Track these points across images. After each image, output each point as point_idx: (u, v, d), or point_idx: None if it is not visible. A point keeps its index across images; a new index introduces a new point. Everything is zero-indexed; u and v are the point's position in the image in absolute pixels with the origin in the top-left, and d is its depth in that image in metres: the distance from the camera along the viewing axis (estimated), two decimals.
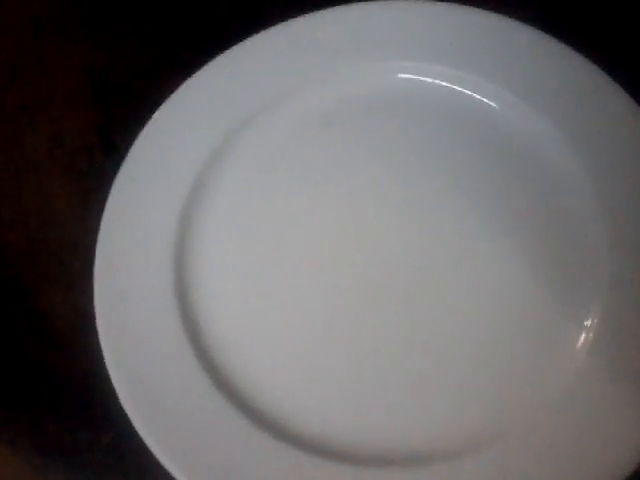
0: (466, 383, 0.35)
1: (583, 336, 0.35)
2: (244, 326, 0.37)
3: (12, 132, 0.44)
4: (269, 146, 0.41)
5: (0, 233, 0.41)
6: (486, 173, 0.39)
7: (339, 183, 0.40)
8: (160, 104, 0.41)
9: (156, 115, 0.41)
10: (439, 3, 0.43)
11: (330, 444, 0.34)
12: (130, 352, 0.35)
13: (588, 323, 0.36)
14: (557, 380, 0.34)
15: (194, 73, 0.42)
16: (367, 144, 0.41)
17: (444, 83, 0.42)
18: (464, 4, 0.42)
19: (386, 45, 0.42)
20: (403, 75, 0.42)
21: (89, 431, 0.36)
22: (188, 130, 0.41)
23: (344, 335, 0.36)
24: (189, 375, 0.35)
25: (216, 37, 0.44)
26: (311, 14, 0.43)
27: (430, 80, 0.42)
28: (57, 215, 0.41)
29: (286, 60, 0.42)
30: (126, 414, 0.34)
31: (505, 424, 0.34)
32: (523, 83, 0.40)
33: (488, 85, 0.41)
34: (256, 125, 0.41)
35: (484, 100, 0.41)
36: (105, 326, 0.36)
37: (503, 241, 0.38)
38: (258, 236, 0.39)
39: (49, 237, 0.41)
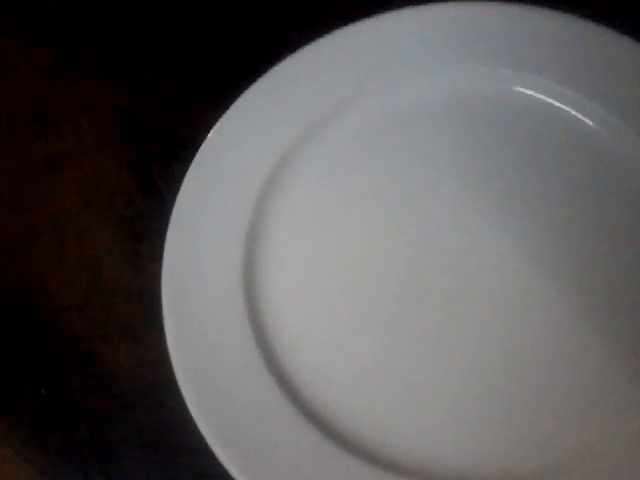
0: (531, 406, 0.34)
1: None
2: (314, 337, 0.36)
3: (44, 186, 0.42)
4: (330, 157, 0.40)
5: (49, 293, 0.39)
6: (564, 190, 0.38)
7: (401, 194, 0.38)
8: (192, 136, 0.40)
9: (205, 144, 0.39)
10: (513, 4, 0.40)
11: (390, 456, 0.33)
12: (208, 388, 0.34)
13: None
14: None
15: (226, 100, 0.40)
16: (424, 154, 0.39)
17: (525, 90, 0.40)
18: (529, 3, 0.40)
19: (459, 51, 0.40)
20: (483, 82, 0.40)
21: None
22: (241, 154, 0.39)
23: (411, 345, 0.35)
24: (265, 394, 0.34)
25: (241, 62, 0.43)
26: (360, 22, 0.41)
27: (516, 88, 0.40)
28: (106, 266, 0.40)
29: (335, 71, 0.40)
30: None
31: (577, 453, 0.32)
32: (616, 96, 0.38)
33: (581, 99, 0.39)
34: (315, 138, 0.40)
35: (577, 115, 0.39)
36: (181, 360, 0.34)
37: (576, 264, 0.36)
38: (322, 248, 0.38)
39: (102, 291, 0.39)
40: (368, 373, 0.35)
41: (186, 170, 0.39)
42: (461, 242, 0.37)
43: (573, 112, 0.39)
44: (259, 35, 0.45)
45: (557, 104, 0.39)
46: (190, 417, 0.33)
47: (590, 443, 0.32)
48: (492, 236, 0.37)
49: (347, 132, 0.40)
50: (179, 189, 0.38)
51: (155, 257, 0.38)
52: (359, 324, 0.36)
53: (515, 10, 0.40)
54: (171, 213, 0.38)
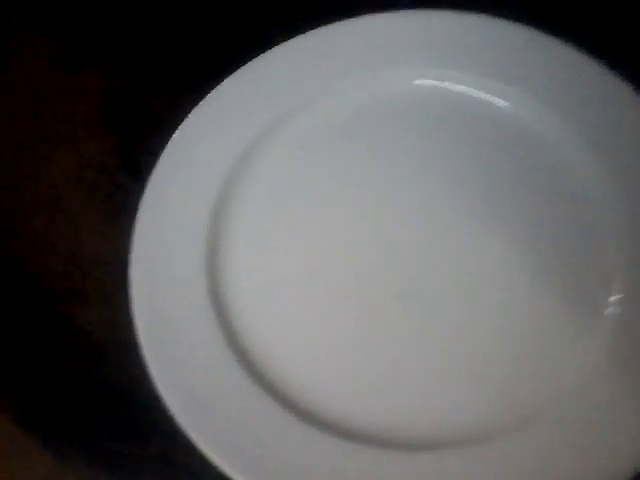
0: (485, 368, 0.36)
1: (609, 312, 0.37)
2: (277, 322, 0.38)
3: (34, 162, 0.46)
4: (291, 153, 0.43)
5: (32, 259, 0.43)
6: (501, 172, 0.41)
7: (360, 186, 0.42)
8: (177, 122, 0.43)
9: (179, 130, 0.42)
10: (437, 11, 0.44)
11: (350, 426, 0.35)
12: (172, 358, 0.37)
13: (613, 299, 0.37)
14: (579, 364, 0.36)
15: (211, 89, 0.43)
16: (385, 149, 0.43)
17: (457, 86, 0.43)
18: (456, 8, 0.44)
19: (399, 53, 0.44)
20: (417, 81, 0.44)
21: (136, 441, 0.38)
22: (211, 142, 0.42)
23: (368, 324, 0.38)
24: (228, 371, 0.37)
25: (227, 55, 0.46)
26: (324, 27, 0.45)
27: (441, 84, 0.44)
28: (86, 237, 0.43)
29: (304, 71, 0.44)
30: (172, 421, 0.35)
31: (525, 410, 0.35)
32: (533, 83, 0.42)
33: (499, 85, 0.43)
34: (278, 133, 0.43)
35: (496, 100, 0.43)
36: (145, 333, 0.37)
37: (520, 234, 0.40)
38: (285, 237, 0.41)
39: (80, 258, 0.42)
40: (326, 349, 0.38)
41: None
42: (405, 226, 0.40)
43: (490, 97, 0.43)
44: (244, 26, 0.48)
45: (481, 94, 0.43)
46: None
47: (541, 400, 0.35)
48: (432, 222, 0.40)
49: (311, 127, 0.43)
50: None
51: (131, 231, 0.41)
52: (319, 303, 0.39)
53: (436, 16, 0.44)
54: None
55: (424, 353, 0.37)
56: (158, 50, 0.48)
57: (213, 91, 0.43)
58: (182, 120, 0.43)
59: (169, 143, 0.42)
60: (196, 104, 0.43)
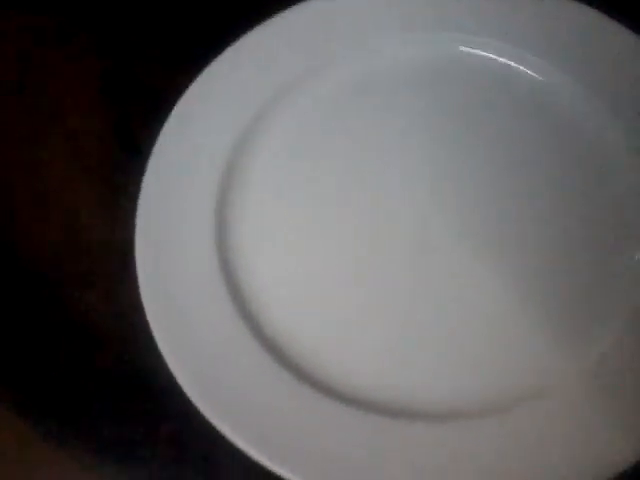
0: (497, 342, 0.36)
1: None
2: (282, 282, 0.38)
3: (28, 142, 0.44)
4: (302, 115, 0.42)
5: (30, 245, 0.41)
6: (528, 143, 0.41)
7: (377, 152, 0.41)
8: (175, 98, 0.42)
9: (182, 100, 0.41)
10: None
11: (356, 393, 0.35)
12: (183, 336, 0.36)
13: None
14: (593, 345, 0.35)
15: (208, 63, 0.42)
16: (408, 113, 0.42)
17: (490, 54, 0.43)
18: None
19: (433, 18, 0.43)
20: (461, 48, 0.43)
21: (147, 425, 0.37)
22: (217, 110, 0.41)
23: (375, 290, 0.37)
24: (242, 345, 0.36)
25: (225, 28, 0.44)
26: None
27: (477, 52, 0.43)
28: (86, 217, 0.41)
29: (329, 31, 0.43)
30: (183, 404, 0.34)
31: (534, 387, 0.35)
32: (568, 57, 0.42)
33: (533, 58, 0.42)
34: (296, 95, 0.42)
35: (528, 72, 0.42)
36: (154, 312, 0.36)
37: (543, 204, 0.39)
38: (295, 202, 0.40)
39: (81, 239, 0.41)
40: (333, 313, 0.37)
41: None
42: (425, 195, 0.40)
43: (522, 68, 0.42)
44: (239, 1, 0.47)
45: (509, 62, 0.43)
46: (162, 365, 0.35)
47: (546, 378, 0.35)
48: (455, 188, 0.40)
49: (317, 94, 0.42)
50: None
51: (133, 211, 0.39)
52: (325, 269, 0.38)
53: None
54: None
55: (437, 324, 0.37)
56: (150, 23, 0.47)
57: (211, 64, 0.42)
58: (177, 96, 0.42)
59: (172, 113, 0.41)
60: (192, 79, 0.42)
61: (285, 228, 0.39)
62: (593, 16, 0.42)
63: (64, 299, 0.39)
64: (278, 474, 0.33)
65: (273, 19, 0.43)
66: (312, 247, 0.39)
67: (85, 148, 0.43)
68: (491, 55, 0.43)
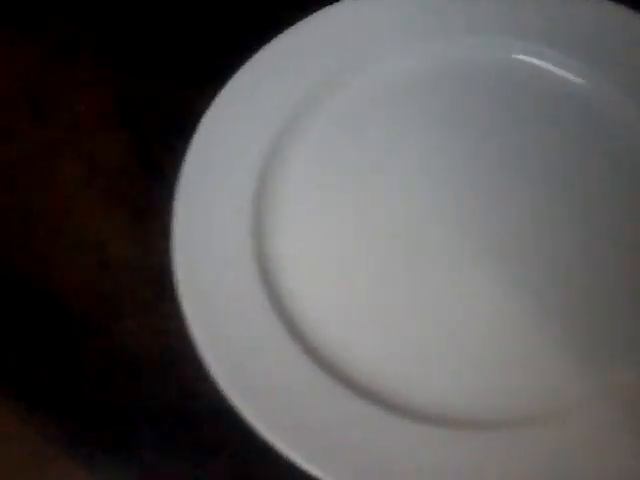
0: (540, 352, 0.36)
1: None
2: (320, 289, 0.37)
3: (44, 169, 0.43)
4: (332, 123, 0.41)
5: (55, 272, 0.40)
6: (569, 149, 0.40)
7: (414, 153, 0.40)
8: (190, 113, 0.40)
9: (205, 118, 0.40)
10: None
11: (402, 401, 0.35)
12: (233, 359, 0.35)
13: None
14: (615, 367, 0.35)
15: (223, 80, 0.41)
16: (428, 119, 0.41)
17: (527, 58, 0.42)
18: None
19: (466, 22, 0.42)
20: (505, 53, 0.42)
21: (197, 459, 0.36)
22: (241, 127, 0.40)
23: (412, 294, 0.37)
24: (292, 360, 0.35)
25: (239, 42, 0.43)
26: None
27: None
28: (112, 243, 0.40)
29: (342, 43, 0.42)
30: (238, 424, 0.33)
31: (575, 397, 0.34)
32: (609, 60, 0.41)
33: (571, 61, 0.41)
34: (318, 104, 0.41)
35: (569, 76, 0.41)
36: (202, 337, 0.35)
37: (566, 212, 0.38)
38: (332, 204, 0.39)
39: (109, 265, 0.40)
40: (368, 320, 0.36)
41: (186, 146, 0.39)
42: (458, 202, 0.39)
43: (563, 72, 0.41)
44: (249, 16, 0.46)
45: (550, 67, 0.42)
46: (207, 381, 0.34)
47: (591, 391, 0.34)
48: (489, 196, 0.39)
49: (351, 98, 0.42)
50: (180, 164, 0.39)
51: (159, 232, 0.39)
52: (361, 276, 0.37)
53: None
54: (174, 187, 0.39)
55: (475, 331, 0.36)
56: (161, 40, 0.46)
57: (240, 69, 0.41)
58: (194, 113, 0.40)
59: (196, 133, 0.39)
60: (208, 95, 0.41)
61: (324, 223, 0.39)
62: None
63: (99, 331, 0.38)
64: None
65: (288, 31, 0.42)
66: (349, 257, 0.38)
67: (107, 172, 0.42)
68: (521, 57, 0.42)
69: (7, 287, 0.40)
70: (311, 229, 0.39)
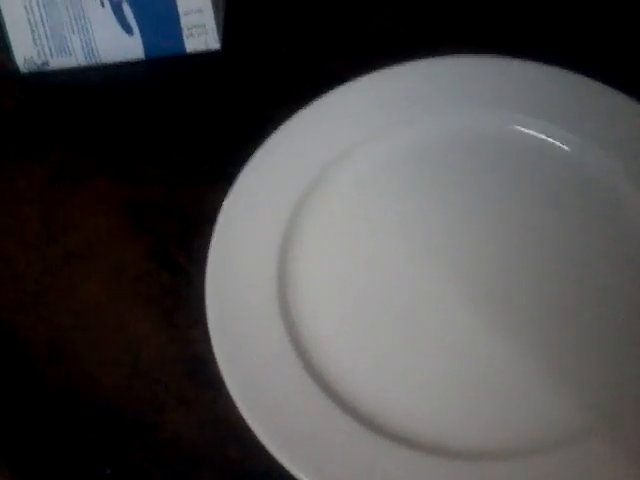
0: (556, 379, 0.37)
1: None
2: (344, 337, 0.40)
3: (65, 283, 0.44)
4: (353, 184, 0.45)
5: (95, 383, 0.41)
6: (561, 211, 0.43)
7: (429, 217, 0.44)
8: (200, 212, 0.44)
9: (231, 193, 0.44)
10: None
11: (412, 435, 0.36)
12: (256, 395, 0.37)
13: None
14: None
15: (227, 181, 0.44)
16: (442, 178, 0.45)
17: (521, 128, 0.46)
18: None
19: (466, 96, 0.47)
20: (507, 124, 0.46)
21: None
22: (279, 175, 0.45)
23: (431, 339, 0.39)
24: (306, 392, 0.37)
25: (231, 144, 0.47)
26: (379, 71, 0.48)
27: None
28: (143, 344, 0.42)
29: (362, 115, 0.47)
30: None
31: (593, 420, 0.36)
32: (591, 128, 0.45)
33: (559, 130, 0.45)
34: (347, 161, 0.46)
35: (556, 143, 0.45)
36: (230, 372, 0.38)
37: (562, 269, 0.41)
38: (348, 259, 0.43)
39: (146, 367, 0.41)
40: (390, 364, 0.39)
41: (201, 243, 0.42)
42: (471, 250, 0.42)
43: (551, 140, 0.46)
44: (243, 118, 0.50)
45: (541, 136, 0.46)
46: (258, 466, 0.36)
47: (591, 421, 0.36)
48: (500, 246, 0.42)
49: (387, 154, 0.46)
50: (198, 259, 0.42)
51: (190, 325, 0.41)
52: (382, 322, 0.40)
53: (506, 62, 0.48)
54: (195, 283, 0.41)
55: (490, 362, 0.38)
56: (166, 152, 0.49)
57: (271, 136, 0.46)
58: (207, 209, 0.43)
59: (220, 213, 0.43)
60: (216, 193, 0.44)
61: (342, 288, 0.42)
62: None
63: (137, 423, 0.39)
64: None
65: (294, 117, 0.46)
66: (373, 307, 0.41)
67: (126, 277, 0.44)
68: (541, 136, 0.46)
69: (54, 403, 0.41)
70: (337, 312, 0.41)
